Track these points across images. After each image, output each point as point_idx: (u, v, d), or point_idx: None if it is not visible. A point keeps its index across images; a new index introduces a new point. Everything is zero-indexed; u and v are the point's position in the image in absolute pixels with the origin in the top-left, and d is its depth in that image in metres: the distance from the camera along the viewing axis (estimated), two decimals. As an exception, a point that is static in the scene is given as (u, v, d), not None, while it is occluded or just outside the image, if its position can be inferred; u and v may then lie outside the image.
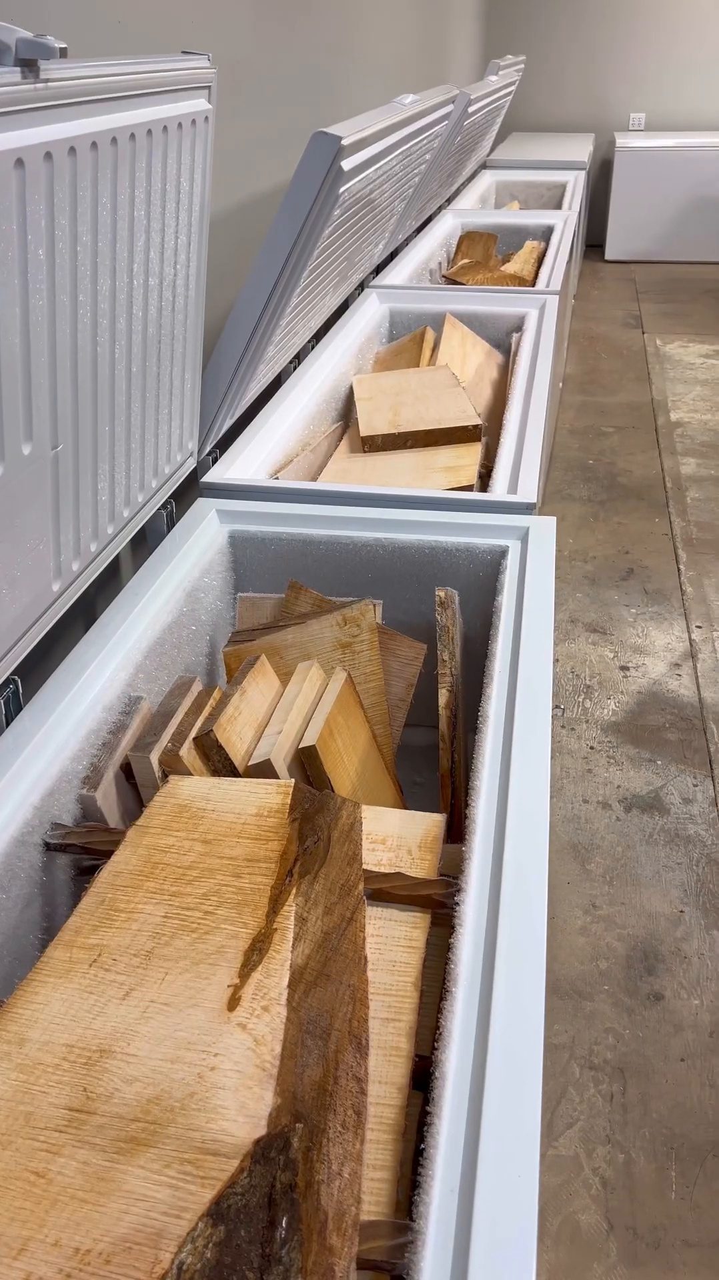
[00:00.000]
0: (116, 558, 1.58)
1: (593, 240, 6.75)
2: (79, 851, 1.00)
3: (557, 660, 2.40)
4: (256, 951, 0.82)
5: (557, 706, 1.26)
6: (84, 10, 1.27)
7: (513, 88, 4.09)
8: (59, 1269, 0.61)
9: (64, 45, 0.82)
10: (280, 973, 0.81)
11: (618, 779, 2.03)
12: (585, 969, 1.62)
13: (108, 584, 1.56)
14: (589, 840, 1.88)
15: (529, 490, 1.53)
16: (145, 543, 1.49)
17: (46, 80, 0.85)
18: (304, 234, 1.40)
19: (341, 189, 1.41)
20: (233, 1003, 0.78)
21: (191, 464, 1.49)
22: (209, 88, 1.21)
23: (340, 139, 1.32)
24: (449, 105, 2.34)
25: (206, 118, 1.21)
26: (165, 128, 1.10)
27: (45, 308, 0.91)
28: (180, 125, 1.13)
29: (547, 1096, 1.43)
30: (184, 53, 1.19)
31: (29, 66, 0.82)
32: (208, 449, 1.58)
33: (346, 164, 1.38)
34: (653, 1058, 1.49)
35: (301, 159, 1.33)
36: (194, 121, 1.17)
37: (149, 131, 1.05)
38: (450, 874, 0.99)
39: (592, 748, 2.11)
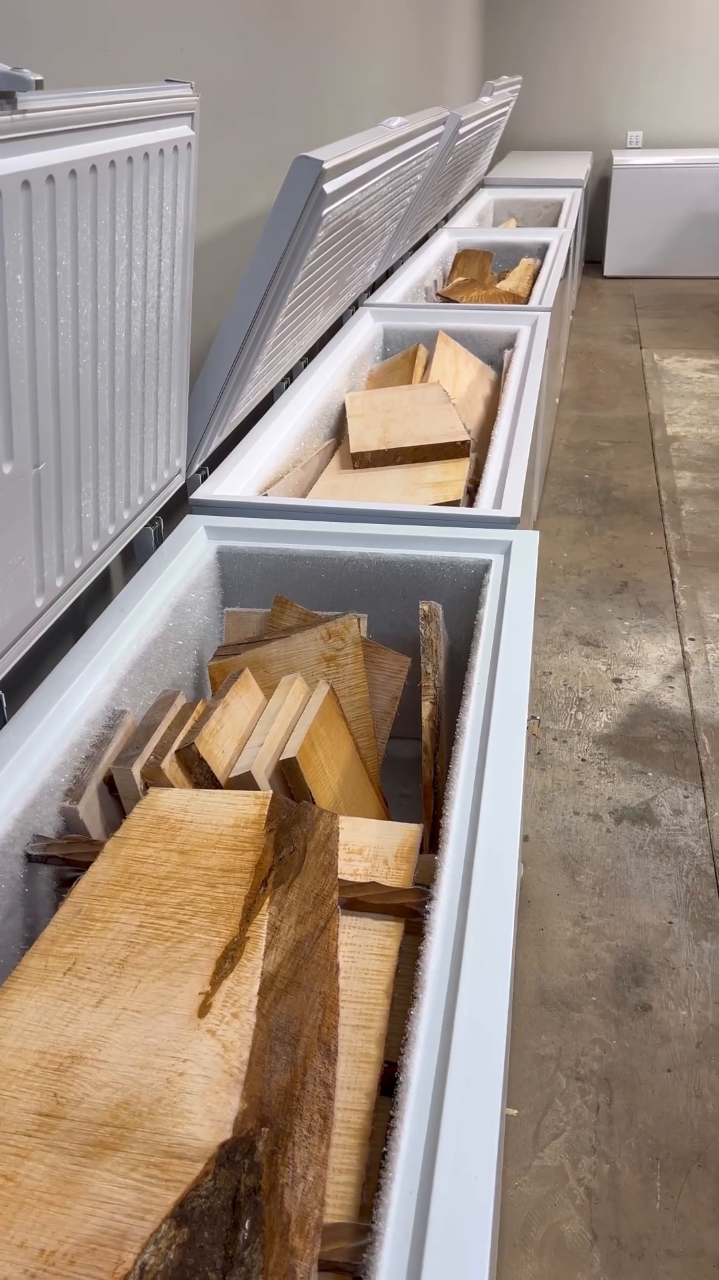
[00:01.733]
0: (108, 573, 1.61)
1: (592, 256, 6.79)
2: (60, 863, 1.02)
3: (549, 673, 2.42)
4: (228, 960, 0.84)
5: (532, 716, 1.28)
6: (70, 39, 1.31)
7: (508, 108, 4.13)
8: (24, 1269, 0.63)
9: (40, 78, 0.84)
10: (251, 980, 0.82)
11: (609, 791, 2.04)
12: (573, 980, 1.63)
13: (98, 599, 1.58)
14: (579, 852, 1.89)
15: (513, 505, 1.55)
16: (135, 559, 1.51)
17: (24, 111, 0.88)
18: (288, 256, 1.42)
19: (325, 211, 1.43)
20: (203, 1010, 0.79)
21: (180, 481, 1.51)
22: (192, 115, 1.24)
23: (322, 163, 1.35)
24: (440, 127, 2.37)
25: (189, 144, 1.24)
26: (147, 155, 1.12)
27: (24, 330, 0.94)
28: (162, 152, 1.16)
29: (532, 1107, 1.44)
30: (167, 81, 1.22)
31: (6, 98, 0.84)
32: (196, 467, 1.60)
33: (329, 187, 1.41)
34: (640, 1068, 1.49)
35: (284, 183, 1.35)
36: (176, 148, 1.20)
37: (129, 159, 1.08)
38: (426, 883, 1.00)
39: (583, 760, 2.13)
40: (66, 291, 1.01)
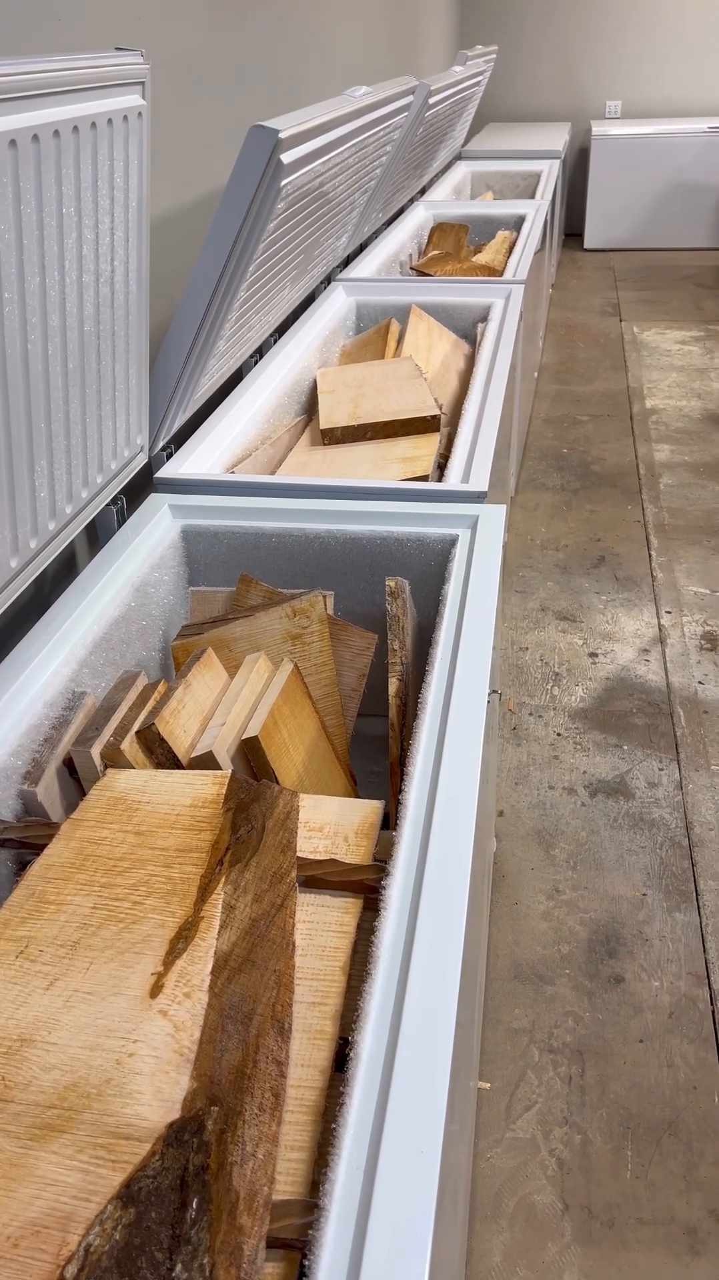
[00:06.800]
0: (73, 554, 1.59)
1: (572, 229, 6.75)
2: (18, 846, 1.01)
3: (525, 648, 2.41)
4: (182, 939, 0.83)
5: (494, 690, 1.27)
6: (18, 5, 1.28)
7: (482, 78, 4.08)
8: (-33, 1253, 0.62)
9: (-28, 44, 0.82)
10: (204, 960, 0.81)
11: (584, 765, 2.04)
12: (547, 953, 1.63)
13: (64, 580, 1.56)
14: (554, 826, 1.89)
15: (481, 479, 1.53)
16: (100, 539, 1.50)
17: (-42, 79, 0.85)
18: (246, 228, 1.40)
19: (283, 183, 1.41)
20: (155, 990, 0.79)
21: (142, 459, 1.50)
22: (143, 84, 1.21)
23: (278, 132, 1.32)
24: (408, 97, 2.34)
25: (140, 114, 1.21)
26: (94, 124, 1.10)
27: (-34, 306, 0.92)
28: (111, 121, 1.14)
29: (505, 1080, 1.45)
30: (116, 49, 1.19)
31: (-63, 66, 0.82)
32: (160, 444, 1.59)
33: (287, 157, 1.39)
34: (612, 1040, 1.50)
35: (240, 153, 1.33)
36: (126, 118, 1.18)
37: (75, 129, 1.05)
38: (385, 860, 1.00)
39: (559, 734, 2.13)
40: (11, 264, 0.98)
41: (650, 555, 2.81)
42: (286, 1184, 0.71)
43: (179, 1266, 0.62)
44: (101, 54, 1.13)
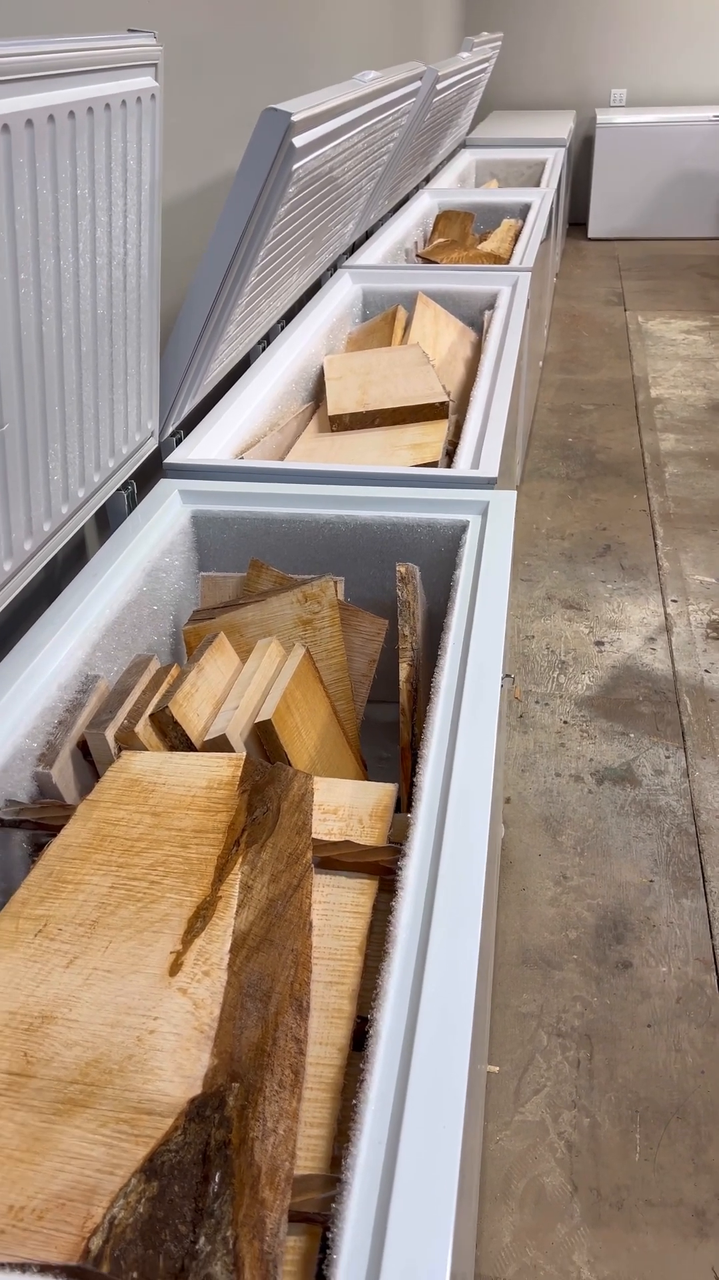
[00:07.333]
0: (83, 539, 1.59)
1: (576, 218, 6.73)
2: (34, 827, 1.02)
3: (531, 637, 2.42)
4: (200, 919, 0.84)
5: (508, 675, 1.27)
6: (30, -11, 1.27)
7: (488, 64, 4.06)
8: (-7, 1225, 0.63)
9: (-9, 22, 0.82)
10: (223, 939, 0.82)
11: (590, 752, 2.04)
12: (555, 939, 1.64)
13: (74, 565, 1.56)
14: (561, 813, 1.89)
15: (491, 465, 1.53)
16: (110, 524, 1.50)
17: (-24, 58, 0.85)
18: (258, 212, 1.40)
19: (295, 166, 1.41)
20: (174, 968, 0.79)
21: (152, 444, 1.50)
22: (155, 65, 1.21)
23: (291, 115, 1.32)
24: (416, 82, 2.33)
25: (153, 95, 1.21)
26: (108, 105, 1.10)
27: (-17, 287, 0.92)
28: (124, 103, 1.13)
29: (514, 1064, 1.45)
30: (129, 30, 1.19)
31: (-45, 44, 0.82)
32: (170, 430, 1.58)
33: (299, 141, 1.38)
34: (620, 1024, 1.51)
35: (252, 136, 1.33)
36: (139, 100, 1.17)
37: (90, 110, 1.05)
38: (400, 842, 1.00)
39: (565, 722, 2.13)
40: (27, 246, 0.98)
41: (656, 544, 2.81)
42: (307, 1159, 0.71)
43: (202, 1239, 0.62)
44: (115, 35, 1.13)
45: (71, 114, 1.01)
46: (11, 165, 0.92)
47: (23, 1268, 0.60)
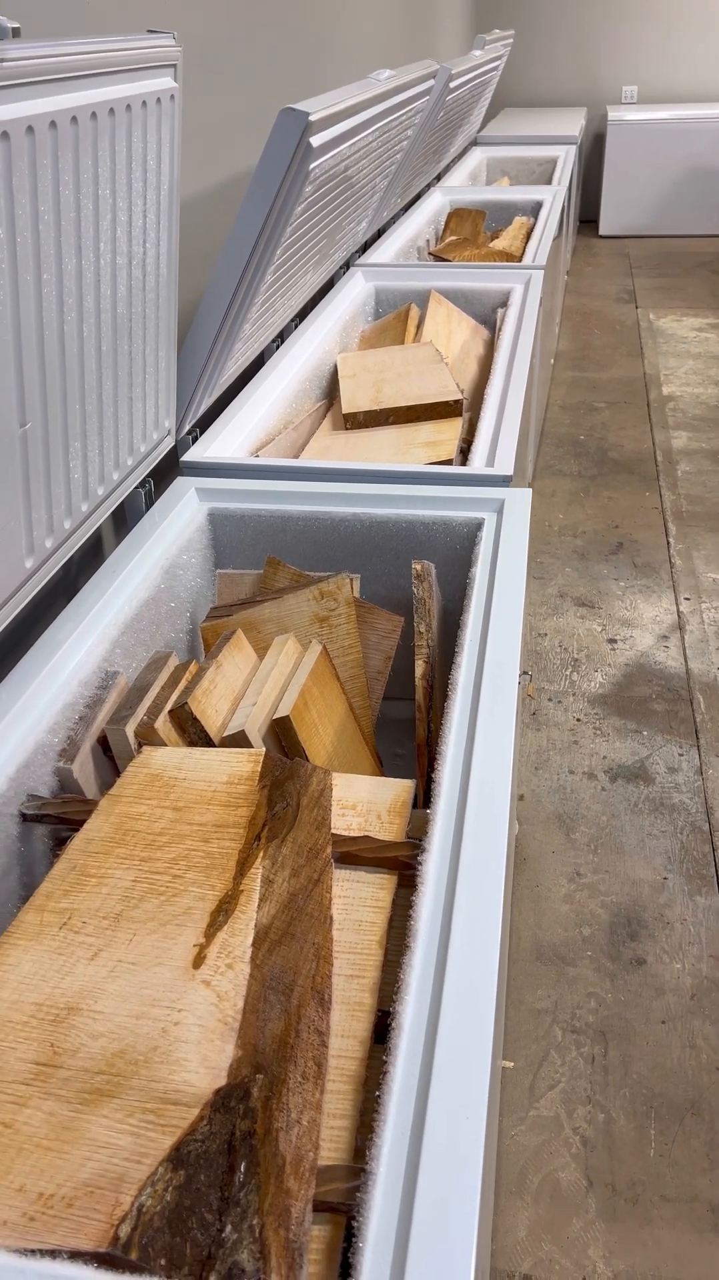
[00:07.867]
0: (99, 537, 1.60)
1: (587, 216, 6.71)
2: (55, 822, 1.03)
3: (544, 635, 2.42)
4: (223, 912, 0.84)
5: (524, 673, 1.28)
6: (50, -10, 1.28)
7: (500, 62, 4.06)
8: (22, 1212, 0.64)
9: (17, 25, 0.83)
10: (245, 932, 0.83)
11: (604, 750, 2.05)
12: (569, 935, 1.65)
13: (90, 563, 1.57)
14: (574, 810, 1.90)
15: (506, 463, 1.54)
16: (127, 522, 1.51)
17: (1, 60, 0.86)
18: (275, 211, 1.40)
19: (312, 165, 1.41)
20: (198, 961, 0.80)
21: (170, 442, 1.50)
22: (174, 66, 1.22)
23: (308, 115, 1.33)
24: (430, 80, 2.33)
25: (172, 96, 1.22)
26: (129, 106, 1.11)
27: (7, 286, 0.93)
28: (145, 104, 1.14)
29: (529, 1059, 1.46)
30: (149, 31, 1.20)
31: (-18, 46, 0.83)
32: (187, 428, 1.59)
33: (316, 140, 1.39)
34: (634, 1020, 1.51)
35: (270, 136, 1.33)
36: (159, 100, 1.18)
37: (111, 110, 1.06)
38: (418, 837, 1.01)
39: (578, 720, 2.13)
40: (49, 246, 0.99)
41: (669, 542, 2.81)
42: (330, 1150, 0.72)
43: (229, 1227, 0.63)
44: (135, 36, 1.13)
45: (94, 115, 1.02)
46: (36, 167, 0.93)
47: (53, 1254, 0.60)
